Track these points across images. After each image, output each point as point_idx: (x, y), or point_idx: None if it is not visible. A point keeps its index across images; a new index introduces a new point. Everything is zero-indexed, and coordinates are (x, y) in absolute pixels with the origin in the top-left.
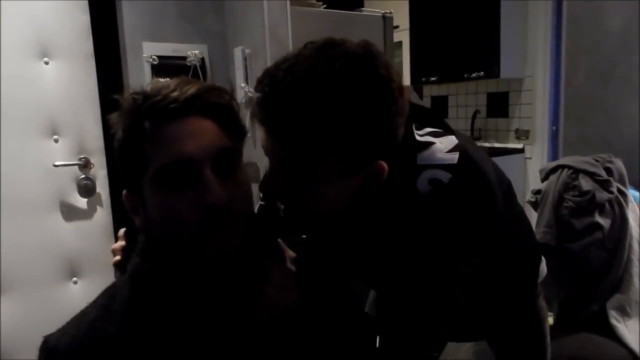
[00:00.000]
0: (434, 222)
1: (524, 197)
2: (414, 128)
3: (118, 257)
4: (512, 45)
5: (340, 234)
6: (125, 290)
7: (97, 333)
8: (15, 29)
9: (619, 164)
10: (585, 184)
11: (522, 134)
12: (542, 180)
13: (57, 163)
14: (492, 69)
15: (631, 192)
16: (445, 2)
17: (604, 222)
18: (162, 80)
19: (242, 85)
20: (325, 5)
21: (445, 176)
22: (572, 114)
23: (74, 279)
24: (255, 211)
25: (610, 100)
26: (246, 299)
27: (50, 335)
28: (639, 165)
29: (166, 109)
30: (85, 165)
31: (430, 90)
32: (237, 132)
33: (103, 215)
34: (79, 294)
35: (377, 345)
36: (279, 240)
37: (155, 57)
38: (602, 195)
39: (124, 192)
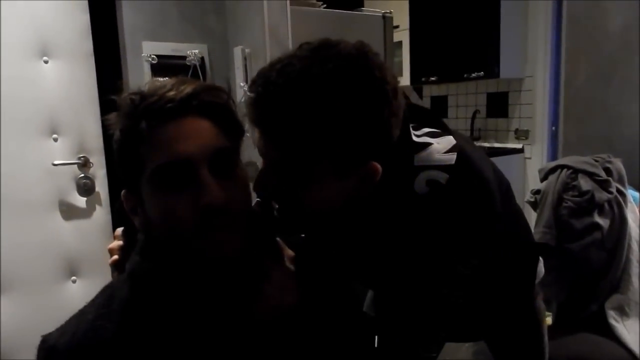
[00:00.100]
0: (432, 223)
1: (524, 197)
2: (411, 129)
3: (116, 257)
4: (512, 46)
5: (337, 234)
6: (124, 289)
7: (96, 332)
8: (15, 28)
9: (618, 164)
10: (585, 184)
11: (522, 134)
12: (542, 180)
13: (56, 162)
14: (492, 69)
15: (630, 193)
16: (445, 2)
17: (603, 222)
18: (160, 80)
19: (242, 84)
20: (325, 5)
21: (442, 177)
22: (571, 114)
23: (73, 278)
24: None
25: (610, 100)
26: (245, 298)
27: (49, 334)
28: (638, 165)
29: (162, 109)
30: (84, 164)
31: (430, 90)
32: (234, 132)
33: (102, 214)
34: (78, 293)
35: (376, 345)
36: (278, 239)
37: (154, 56)
38: (601, 196)
39: (123, 192)
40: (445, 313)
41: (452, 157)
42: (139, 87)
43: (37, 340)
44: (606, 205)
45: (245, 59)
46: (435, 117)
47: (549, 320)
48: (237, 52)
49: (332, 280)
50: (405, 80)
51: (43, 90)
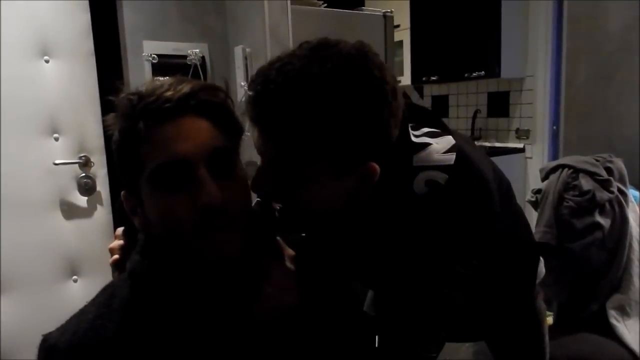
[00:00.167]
0: (431, 223)
1: (524, 196)
2: (410, 129)
3: (116, 256)
4: (513, 45)
5: (336, 235)
6: (124, 288)
7: (97, 331)
8: (16, 27)
9: (619, 164)
10: (586, 183)
11: (523, 134)
12: (543, 180)
13: (57, 161)
14: (492, 68)
15: (631, 192)
16: (446, 1)
17: (604, 221)
18: (159, 79)
19: (242, 84)
20: (325, 5)
21: (441, 177)
22: (572, 113)
23: (74, 277)
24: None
25: (610, 100)
26: (245, 298)
27: (50, 333)
28: (639, 165)
29: (160, 109)
30: (85, 163)
31: (431, 90)
32: (233, 131)
33: (103, 213)
34: (79, 293)
35: (376, 345)
36: (278, 238)
37: (155, 55)
38: (602, 195)
39: (123, 192)
40: (445, 313)
41: (451, 157)
42: (137, 87)
43: (38, 340)
44: (607, 204)
45: (245, 58)
46: (435, 117)
47: (549, 320)
48: (238, 51)
49: (332, 280)
50: (406, 79)
51: (44, 89)
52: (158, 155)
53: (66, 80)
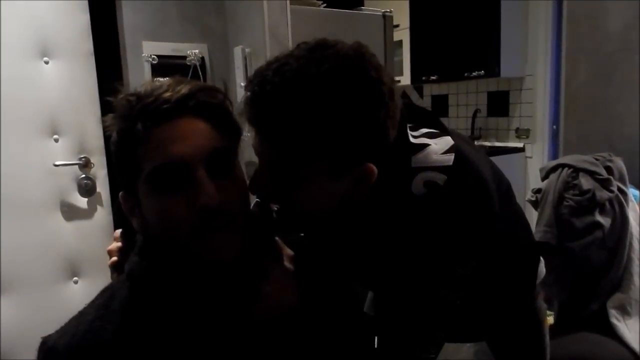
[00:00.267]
0: (430, 224)
1: (524, 196)
2: (408, 130)
3: (115, 258)
4: (513, 44)
5: (335, 235)
6: (123, 289)
7: (96, 333)
8: (16, 28)
9: (619, 163)
10: (586, 182)
11: (523, 133)
12: (543, 179)
13: (57, 163)
14: (492, 67)
15: (631, 191)
16: (446, 1)
17: (605, 221)
18: (158, 80)
19: (242, 84)
20: (325, 5)
21: (440, 178)
22: (572, 113)
23: (75, 278)
24: (252, 208)
25: (610, 99)
26: (244, 298)
27: (49, 336)
28: (639, 164)
29: (158, 110)
30: (85, 164)
31: (431, 89)
32: (231, 132)
33: (103, 214)
34: (80, 294)
35: (376, 345)
36: (277, 238)
37: (155, 56)
38: (602, 194)
39: (121, 193)
40: (444, 314)
41: (450, 158)
42: (136, 88)
43: (38, 341)
44: (607, 204)
45: (245, 58)
46: (434, 117)
47: (550, 319)
48: (237, 51)
49: (331, 280)
50: (405, 79)
51: (44, 90)
52: (156, 156)
53: (66, 81)
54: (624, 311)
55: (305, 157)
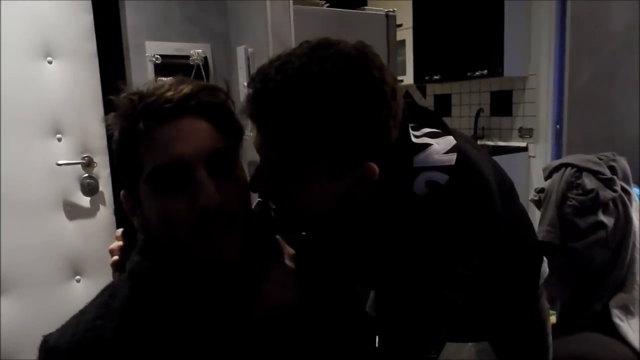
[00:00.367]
0: (432, 224)
1: (528, 195)
2: (410, 129)
3: (116, 257)
4: (516, 44)
5: (336, 235)
6: (124, 288)
7: (97, 332)
8: (19, 28)
9: (622, 163)
10: (589, 182)
11: (526, 133)
12: (546, 179)
13: (60, 162)
14: (495, 67)
15: (635, 191)
16: (449, 0)
17: (608, 220)
18: (161, 79)
19: (245, 84)
20: (328, 4)
21: (442, 178)
22: (575, 112)
23: (77, 277)
24: (253, 208)
25: (613, 99)
26: (245, 297)
27: (50, 334)
28: None
29: (160, 109)
30: (88, 164)
31: (434, 89)
32: (233, 132)
33: (106, 214)
34: (82, 293)
35: (377, 345)
36: (278, 237)
37: (158, 56)
38: (605, 194)
39: (122, 192)
40: (445, 314)
41: (452, 158)
42: (138, 87)
43: (41, 340)
44: (611, 203)
45: (248, 58)
46: (436, 117)
47: (553, 319)
48: (240, 51)
49: (333, 279)
50: (408, 79)
51: (47, 90)
52: (157, 156)
53: (69, 81)
54: (627, 311)
55: (306, 155)
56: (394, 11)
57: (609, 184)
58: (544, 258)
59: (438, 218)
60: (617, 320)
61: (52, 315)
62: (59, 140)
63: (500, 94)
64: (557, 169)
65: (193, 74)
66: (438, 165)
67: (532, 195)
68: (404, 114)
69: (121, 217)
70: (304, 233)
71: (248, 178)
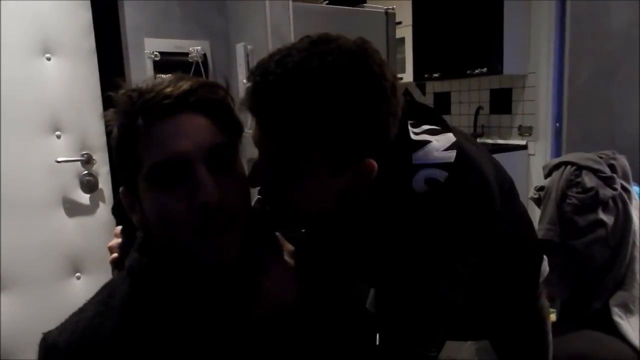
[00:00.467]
0: (431, 221)
1: (527, 193)
2: (409, 126)
3: (115, 255)
4: (515, 42)
5: (334, 232)
6: (123, 286)
7: (96, 329)
8: (18, 25)
9: (622, 161)
10: (589, 180)
11: (525, 131)
12: (545, 177)
13: (59, 159)
14: (495, 65)
15: (635, 189)
16: None
17: (608, 219)
18: (161, 76)
19: (244, 81)
20: (327, 1)
21: (441, 175)
22: (575, 110)
23: (77, 274)
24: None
25: (613, 97)
26: (245, 294)
27: (49, 332)
28: None
29: (159, 106)
30: (87, 161)
31: (433, 87)
32: (232, 129)
33: (106, 211)
34: (82, 290)
35: (377, 342)
36: (278, 234)
37: (157, 53)
38: (605, 192)
39: (121, 189)
40: (445, 312)
41: (451, 155)
42: (137, 84)
43: (41, 337)
44: (610, 202)
45: (247, 55)
46: (435, 114)
47: (553, 317)
48: (240, 48)
49: (333, 276)
50: (408, 76)
51: (46, 87)
52: (156, 152)
53: (68, 78)
54: (627, 309)
55: (305, 149)
56: (393, 9)
57: (608, 182)
58: (544, 256)
59: (437, 215)
60: (617, 319)
61: (52, 313)
62: (58, 137)
63: (500, 92)
64: (557, 167)
65: (192, 71)
66: (437, 163)
67: (532, 193)
68: (404, 111)
69: (118, 216)
70: (303, 230)
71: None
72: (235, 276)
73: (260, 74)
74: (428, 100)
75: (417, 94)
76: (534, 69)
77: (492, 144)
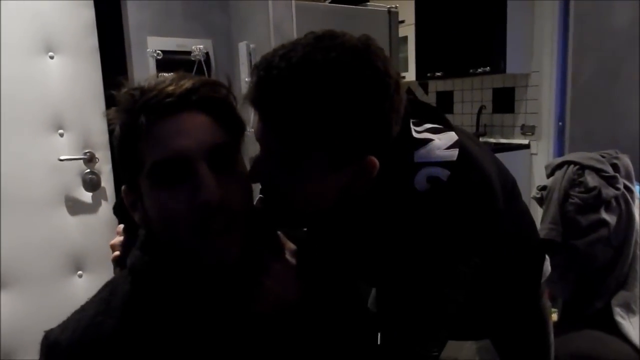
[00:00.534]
0: (432, 220)
1: (530, 193)
2: (411, 125)
3: (117, 253)
4: (518, 41)
5: (336, 230)
6: (125, 284)
7: (97, 327)
8: (21, 24)
9: (625, 160)
10: (592, 180)
11: (528, 130)
12: (548, 177)
13: (62, 157)
14: (498, 64)
15: (638, 189)
16: None
17: (610, 218)
18: (163, 75)
19: (247, 80)
20: (330, 0)
21: (443, 174)
22: (578, 110)
23: (79, 272)
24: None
25: (616, 96)
26: (246, 293)
27: (51, 330)
28: None
29: (161, 104)
30: (90, 159)
31: (436, 86)
32: (234, 127)
33: (108, 209)
34: (84, 288)
35: (379, 342)
36: (280, 233)
37: (159, 51)
38: (608, 192)
39: (123, 187)
40: (446, 312)
41: (454, 154)
42: (139, 82)
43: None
44: (613, 201)
45: (249, 54)
46: (437, 113)
47: (554, 316)
48: (242, 47)
49: (334, 275)
50: (410, 75)
51: (49, 86)
52: (158, 151)
53: (71, 76)
54: (629, 309)
55: (307, 144)
56: (396, 7)
57: (611, 181)
58: (547, 256)
59: (439, 214)
60: (619, 319)
61: (54, 310)
62: (61, 135)
63: (503, 91)
64: (559, 166)
65: (194, 69)
66: (439, 161)
67: (534, 192)
68: (406, 110)
69: (120, 215)
70: (305, 229)
71: None
72: (237, 275)
73: (264, 68)
74: (431, 99)
75: (419, 92)
76: (537, 68)
77: (495, 143)
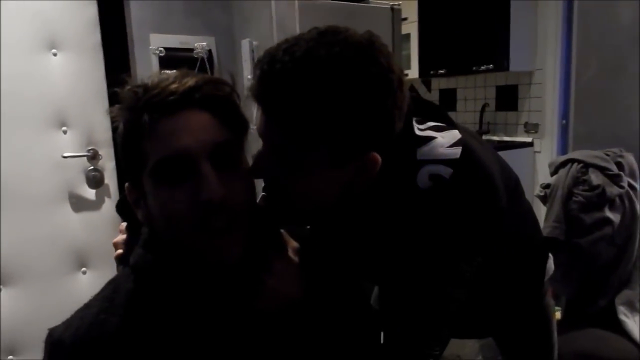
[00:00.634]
0: (435, 218)
1: (533, 191)
2: (414, 122)
3: (120, 251)
4: (522, 38)
5: (338, 228)
6: (128, 282)
7: (101, 325)
8: (24, 21)
9: (630, 159)
10: (596, 178)
11: (532, 128)
12: (552, 175)
13: (65, 154)
14: (501, 61)
15: None
16: None
17: (614, 217)
18: (166, 72)
19: (249, 77)
20: None
21: (446, 171)
22: (582, 107)
23: (83, 269)
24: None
25: (620, 94)
26: (248, 291)
27: (55, 327)
28: None
29: (164, 102)
30: (93, 156)
31: (439, 83)
32: (237, 125)
33: (111, 206)
34: (88, 285)
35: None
36: (283, 231)
37: (162, 49)
38: (612, 190)
39: (126, 185)
40: (448, 310)
41: (456, 152)
42: (142, 80)
43: (47, 332)
44: (617, 199)
45: (252, 51)
46: (440, 110)
47: (557, 315)
48: (245, 44)
49: (337, 273)
50: (413, 72)
51: (52, 82)
52: (161, 149)
53: (74, 74)
54: (632, 307)
55: (310, 139)
56: (399, 4)
57: (615, 180)
58: (550, 254)
59: (442, 212)
60: (622, 317)
61: (58, 307)
62: (65, 132)
63: (506, 89)
64: (563, 164)
65: (197, 67)
66: (442, 159)
67: (538, 190)
68: (409, 107)
69: (123, 213)
70: (308, 227)
71: None
72: (240, 273)
73: (268, 62)
74: (433, 96)
75: (422, 90)
76: (541, 66)
77: (498, 141)
